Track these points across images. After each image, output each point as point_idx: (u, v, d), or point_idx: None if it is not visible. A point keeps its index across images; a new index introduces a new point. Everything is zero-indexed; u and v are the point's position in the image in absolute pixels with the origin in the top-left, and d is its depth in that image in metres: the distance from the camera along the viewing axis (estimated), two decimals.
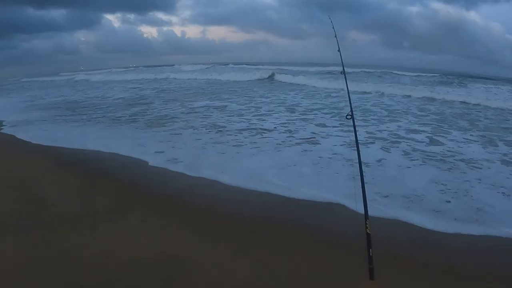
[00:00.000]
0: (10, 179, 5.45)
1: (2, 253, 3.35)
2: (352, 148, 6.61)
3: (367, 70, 29.25)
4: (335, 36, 3.69)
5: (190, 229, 3.89)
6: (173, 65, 51.20)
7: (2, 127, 10.05)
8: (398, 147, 6.95)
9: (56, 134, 8.69)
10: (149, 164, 6.14)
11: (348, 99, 2.71)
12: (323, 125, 8.94)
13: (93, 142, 7.76)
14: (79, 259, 3.24)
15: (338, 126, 8.75)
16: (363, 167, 2.19)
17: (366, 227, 1.87)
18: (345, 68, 3.26)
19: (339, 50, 3.38)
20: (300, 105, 12.61)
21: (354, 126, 2.43)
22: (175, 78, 28.45)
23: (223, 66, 42.48)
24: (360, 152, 2.25)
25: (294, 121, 9.52)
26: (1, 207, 4.43)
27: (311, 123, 9.26)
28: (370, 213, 1.95)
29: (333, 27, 3.90)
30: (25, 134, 8.77)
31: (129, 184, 5.29)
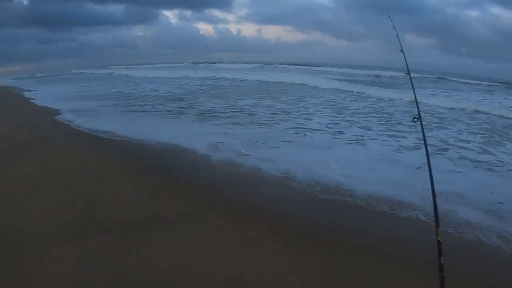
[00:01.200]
0: (67, 176, 5.15)
1: (56, 263, 3.02)
2: (411, 150, 6.66)
3: (424, 75, 27.62)
4: (397, 36, 3.55)
5: (275, 242, 3.45)
6: (226, 62, 52.00)
7: (57, 116, 10.39)
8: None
9: (114, 126, 8.60)
10: (212, 159, 5.97)
11: (415, 101, 2.64)
12: (369, 129, 8.78)
13: (152, 134, 7.62)
14: (146, 276, 2.83)
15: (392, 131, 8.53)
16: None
17: (437, 235, 1.82)
18: (406, 72, 3.12)
19: (402, 50, 3.26)
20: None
21: (423, 129, 2.36)
22: (234, 78, 26.26)
23: (282, 65, 42.58)
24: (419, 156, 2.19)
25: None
26: (57, 209, 4.05)
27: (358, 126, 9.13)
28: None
29: (393, 26, 3.76)
30: (81, 124, 8.84)
31: (199, 183, 4.99)
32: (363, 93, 16.43)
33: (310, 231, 3.73)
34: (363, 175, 5.30)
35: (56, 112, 11.09)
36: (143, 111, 11.50)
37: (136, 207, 4.18)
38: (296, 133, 8.14)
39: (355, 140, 7.52)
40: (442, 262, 1.77)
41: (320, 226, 3.86)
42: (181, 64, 52.29)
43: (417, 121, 2.36)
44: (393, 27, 3.78)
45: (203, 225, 3.78)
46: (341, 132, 8.25)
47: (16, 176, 5.21)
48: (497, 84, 25.09)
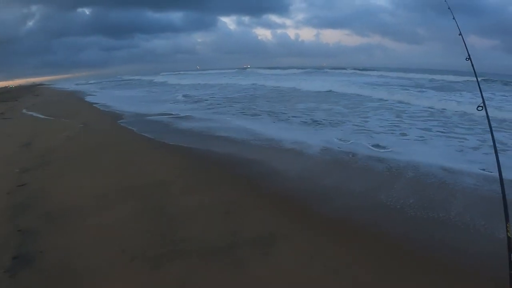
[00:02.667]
0: (134, 188, 4.67)
1: None
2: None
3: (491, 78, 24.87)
4: (460, 34, 3.28)
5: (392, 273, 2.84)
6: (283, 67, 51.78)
7: (121, 120, 10.45)
8: None
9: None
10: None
11: (478, 89, 2.47)
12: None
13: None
14: None
15: None
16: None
17: (507, 231, 1.71)
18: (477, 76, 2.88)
19: (468, 59, 2.97)
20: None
21: (488, 118, 2.19)
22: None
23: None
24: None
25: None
26: (123, 228, 3.59)
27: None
28: None
29: (460, 34, 3.42)
30: (144, 130, 8.61)
31: (286, 196, 4.39)
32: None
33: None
34: None
35: (120, 116, 11.25)
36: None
37: (208, 226, 3.62)
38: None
39: None
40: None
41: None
42: (234, 70, 53.21)
43: (481, 110, 2.30)
44: (459, 34, 3.44)
45: (295, 248, 3.19)
46: None
47: (79, 188, 4.81)
48: None
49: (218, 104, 14.63)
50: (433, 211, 3.88)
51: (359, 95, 15.66)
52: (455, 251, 3.11)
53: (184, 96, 18.67)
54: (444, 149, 6.66)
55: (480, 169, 5.12)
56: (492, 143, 2.16)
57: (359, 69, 40.97)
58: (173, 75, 46.33)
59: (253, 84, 25.71)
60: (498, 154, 2.10)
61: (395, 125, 9.14)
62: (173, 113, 12.04)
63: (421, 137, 7.75)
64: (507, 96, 16.41)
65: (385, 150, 6.63)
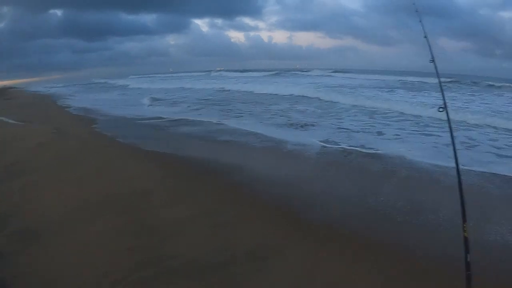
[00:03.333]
0: (115, 198, 4.37)
1: None
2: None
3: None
4: (425, 36, 3.36)
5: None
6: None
7: (94, 125, 10.07)
8: None
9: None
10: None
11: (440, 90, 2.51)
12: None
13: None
14: None
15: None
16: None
17: (464, 231, 1.73)
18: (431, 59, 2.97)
19: (432, 61, 3.05)
20: None
21: (449, 119, 2.24)
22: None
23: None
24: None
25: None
26: (106, 244, 3.30)
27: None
28: None
29: (425, 37, 3.50)
30: (121, 136, 8.28)
31: (281, 205, 4.25)
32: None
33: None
34: None
35: (94, 121, 10.87)
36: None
37: (202, 240, 3.38)
38: None
39: None
40: (469, 260, 1.69)
41: None
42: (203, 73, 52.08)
43: (442, 111, 2.28)
44: (424, 36, 3.52)
45: (290, 262, 3.01)
46: None
47: (53, 202, 4.40)
48: None
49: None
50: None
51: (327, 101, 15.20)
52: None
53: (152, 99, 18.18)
54: (420, 146, 7.10)
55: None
56: (456, 142, 2.17)
57: (332, 71, 41.28)
58: (141, 78, 45.01)
59: (216, 87, 24.70)
60: (457, 151, 2.11)
61: (370, 125, 9.56)
62: (148, 116, 11.84)
63: (396, 135, 8.27)
64: (475, 96, 17.23)
65: (370, 149, 6.82)
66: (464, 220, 1.77)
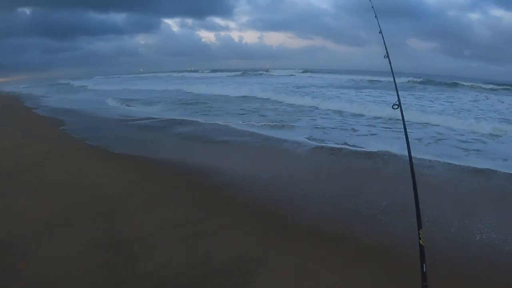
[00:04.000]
0: (85, 206, 4.02)
1: None
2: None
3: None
4: (380, 32, 3.34)
5: None
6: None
7: (62, 127, 9.44)
8: None
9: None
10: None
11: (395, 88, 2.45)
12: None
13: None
14: None
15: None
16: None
17: (419, 238, 1.58)
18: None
19: (387, 57, 3.00)
20: None
21: (403, 117, 2.15)
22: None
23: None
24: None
25: None
26: (77, 259, 2.97)
27: None
28: None
29: (383, 41, 3.47)
30: (91, 138, 7.76)
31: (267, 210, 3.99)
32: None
33: None
34: None
35: (62, 122, 10.19)
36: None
37: (181, 251, 3.06)
38: None
39: None
40: (425, 270, 1.51)
41: None
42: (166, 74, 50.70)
43: (396, 108, 2.24)
44: (379, 31, 3.51)
45: (279, 271, 2.79)
46: None
47: (17, 213, 3.98)
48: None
49: None
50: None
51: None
52: None
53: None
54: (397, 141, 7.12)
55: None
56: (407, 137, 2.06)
57: (302, 71, 42.05)
58: (107, 79, 43.67)
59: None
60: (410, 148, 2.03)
61: (343, 123, 9.80)
62: (119, 117, 11.30)
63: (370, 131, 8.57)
64: (443, 94, 17.94)
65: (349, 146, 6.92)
66: (420, 227, 1.61)
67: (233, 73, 42.76)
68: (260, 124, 9.34)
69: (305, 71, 41.48)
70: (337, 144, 7.13)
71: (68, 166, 5.74)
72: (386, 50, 2.79)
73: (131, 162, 5.97)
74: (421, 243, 1.58)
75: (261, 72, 44.61)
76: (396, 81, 2.72)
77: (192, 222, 3.61)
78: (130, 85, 28.16)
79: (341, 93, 18.15)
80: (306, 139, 7.62)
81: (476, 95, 18.09)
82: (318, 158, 6.34)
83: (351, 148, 6.81)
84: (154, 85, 26.46)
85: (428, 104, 14.14)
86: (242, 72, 44.21)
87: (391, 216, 3.78)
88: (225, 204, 4.17)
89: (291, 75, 38.66)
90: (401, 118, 2.20)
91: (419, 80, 26.37)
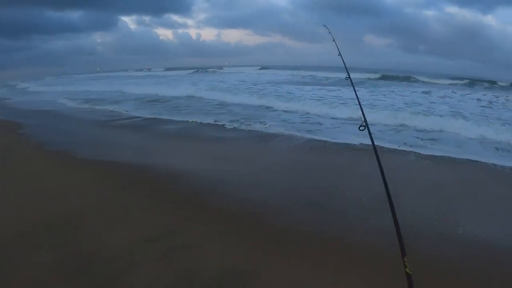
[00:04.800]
0: (42, 223, 3.57)
1: None
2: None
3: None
4: (333, 41, 3.41)
5: None
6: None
7: (20, 130, 8.67)
8: None
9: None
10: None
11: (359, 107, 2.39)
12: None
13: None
14: None
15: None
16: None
17: (405, 266, 1.49)
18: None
19: (339, 55, 3.07)
20: None
21: (372, 139, 2.01)
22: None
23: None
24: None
25: None
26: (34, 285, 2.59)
27: None
28: None
29: (329, 32, 3.58)
30: (51, 142, 7.13)
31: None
32: None
33: None
34: None
35: (19, 126, 9.34)
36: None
37: (160, 269, 2.76)
38: None
39: None
40: None
41: None
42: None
43: (363, 130, 2.08)
44: (329, 32, 3.61)
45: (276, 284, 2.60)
46: None
47: None
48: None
49: None
50: None
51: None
52: None
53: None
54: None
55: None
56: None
57: (259, 68, 42.07)
58: (58, 79, 40.86)
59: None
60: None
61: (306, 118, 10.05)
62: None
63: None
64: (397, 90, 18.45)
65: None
66: (404, 254, 1.52)
67: (186, 72, 41.67)
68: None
69: (262, 68, 41.49)
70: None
71: (26, 176, 5.13)
72: (338, 50, 2.78)
73: (95, 168, 5.47)
74: (407, 271, 1.48)
75: (213, 69, 43.80)
76: (351, 77, 2.70)
77: (168, 235, 3.26)
78: (75, 87, 25.86)
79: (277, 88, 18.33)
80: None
81: (429, 90, 18.89)
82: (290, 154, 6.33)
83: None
84: (100, 86, 24.47)
85: (381, 98, 14.66)
86: (195, 70, 43.52)
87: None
88: (199, 211, 3.86)
89: (242, 72, 38.11)
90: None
91: (377, 76, 27.46)
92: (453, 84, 25.28)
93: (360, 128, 2.12)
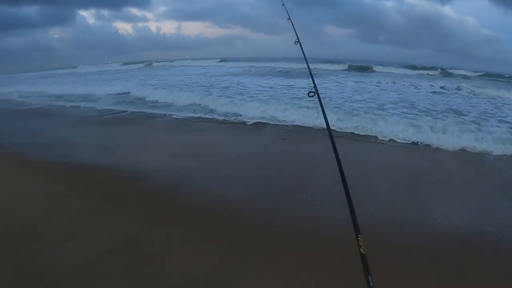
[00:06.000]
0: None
1: None
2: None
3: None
4: (288, 18, 3.21)
5: None
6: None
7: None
8: None
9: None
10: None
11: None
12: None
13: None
14: None
15: None
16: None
17: (360, 246, 1.30)
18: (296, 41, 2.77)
19: (297, 42, 2.85)
20: None
21: (322, 105, 1.94)
22: None
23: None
24: None
25: None
26: None
27: None
28: None
29: (288, 18, 3.35)
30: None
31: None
32: None
33: None
34: None
35: None
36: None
37: (133, 283, 2.52)
38: None
39: None
40: (372, 284, 1.25)
41: None
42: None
43: (313, 96, 2.08)
44: (288, 18, 3.38)
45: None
46: None
47: None
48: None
49: None
50: None
51: None
52: None
53: None
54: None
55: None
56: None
57: (219, 60, 39.95)
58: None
59: None
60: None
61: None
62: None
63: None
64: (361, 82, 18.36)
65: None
66: (358, 232, 1.34)
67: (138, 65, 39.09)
68: None
69: (222, 60, 39.36)
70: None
71: None
72: (297, 36, 2.66)
73: (50, 171, 4.94)
74: (362, 251, 1.30)
75: (164, 62, 41.09)
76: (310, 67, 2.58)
77: (132, 245, 2.94)
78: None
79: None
80: None
81: (384, 79, 19.00)
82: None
83: None
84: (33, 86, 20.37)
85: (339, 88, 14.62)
86: (147, 63, 41.23)
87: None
88: (164, 213, 3.57)
89: (187, 65, 35.77)
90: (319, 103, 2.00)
91: (342, 68, 26.80)
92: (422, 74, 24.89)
93: (310, 95, 2.12)
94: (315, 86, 2.06)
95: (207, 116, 9.05)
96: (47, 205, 3.75)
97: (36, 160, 5.42)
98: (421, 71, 26.02)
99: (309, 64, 2.63)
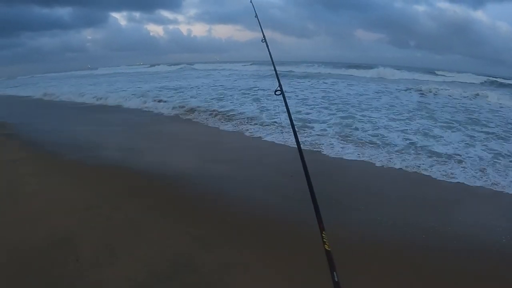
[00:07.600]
0: (24, 256, 2.78)
1: None
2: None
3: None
4: (255, 16, 3.20)
5: None
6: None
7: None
8: None
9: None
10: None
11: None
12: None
13: None
14: None
15: None
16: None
17: (324, 242, 1.30)
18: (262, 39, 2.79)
19: (264, 40, 2.86)
20: None
21: (286, 104, 2.00)
22: None
23: None
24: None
25: None
26: None
27: None
28: None
29: (255, 16, 3.33)
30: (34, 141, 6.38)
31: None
32: None
33: None
34: None
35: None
36: None
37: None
38: None
39: None
40: (337, 279, 1.25)
41: None
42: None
43: (279, 94, 2.12)
44: (255, 16, 3.35)
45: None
46: None
47: None
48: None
49: None
50: None
51: None
52: None
53: None
54: None
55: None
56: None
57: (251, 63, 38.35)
58: (31, 78, 37.19)
59: None
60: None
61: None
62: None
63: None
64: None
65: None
66: (322, 228, 1.36)
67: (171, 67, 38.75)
68: None
69: (253, 63, 37.47)
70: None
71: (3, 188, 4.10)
72: (263, 35, 2.68)
73: (85, 174, 4.63)
74: (326, 248, 1.32)
75: (184, 65, 41.22)
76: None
77: (183, 267, 2.59)
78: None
79: None
80: None
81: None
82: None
83: None
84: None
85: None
86: (181, 66, 40.84)
87: None
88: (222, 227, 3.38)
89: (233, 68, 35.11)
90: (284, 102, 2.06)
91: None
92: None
93: (276, 93, 2.15)
94: (280, 85, 2.10)
95: None
96: (81, 214, 3.38)
97: (67, 160, 5.18)
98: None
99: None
